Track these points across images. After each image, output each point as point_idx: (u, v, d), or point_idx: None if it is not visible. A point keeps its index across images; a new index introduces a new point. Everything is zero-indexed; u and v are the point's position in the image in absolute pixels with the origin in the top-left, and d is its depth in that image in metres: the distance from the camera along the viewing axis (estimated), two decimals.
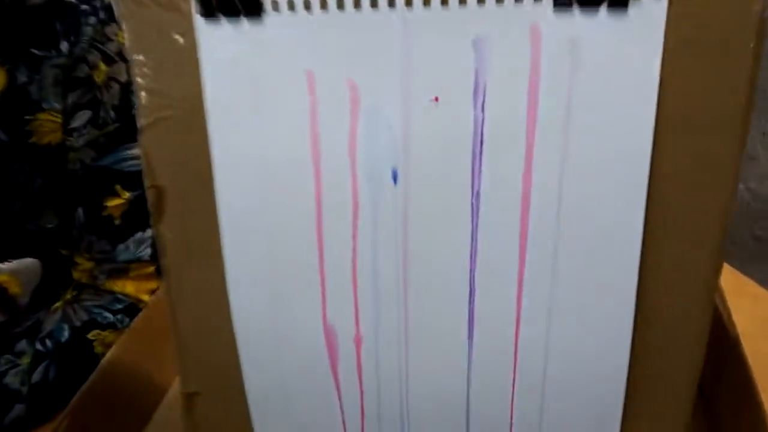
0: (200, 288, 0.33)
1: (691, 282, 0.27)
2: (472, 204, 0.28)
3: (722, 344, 0.40)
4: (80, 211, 0.48)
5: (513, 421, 0.31)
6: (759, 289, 0.51)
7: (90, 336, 0.47)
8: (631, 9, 0.24)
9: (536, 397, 0.31)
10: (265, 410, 0.35)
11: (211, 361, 0.35)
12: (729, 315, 0.40)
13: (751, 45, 0.24)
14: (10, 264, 0.46)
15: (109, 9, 0.47)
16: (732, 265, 0.55)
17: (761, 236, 1.00)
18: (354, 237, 0.30)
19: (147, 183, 0.32)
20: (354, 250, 0.30)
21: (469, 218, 0.28)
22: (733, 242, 1.01)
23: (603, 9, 0.24)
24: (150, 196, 0.32)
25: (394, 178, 0.28)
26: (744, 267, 0.54)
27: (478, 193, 0.28)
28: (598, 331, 0.29)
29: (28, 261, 0.47)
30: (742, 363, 0.37)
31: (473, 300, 0.30)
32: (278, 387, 0.34)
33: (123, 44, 0.46)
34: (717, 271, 0.27)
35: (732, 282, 0.52)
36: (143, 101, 0.31)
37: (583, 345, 0.29)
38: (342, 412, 0.34)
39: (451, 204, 0.28)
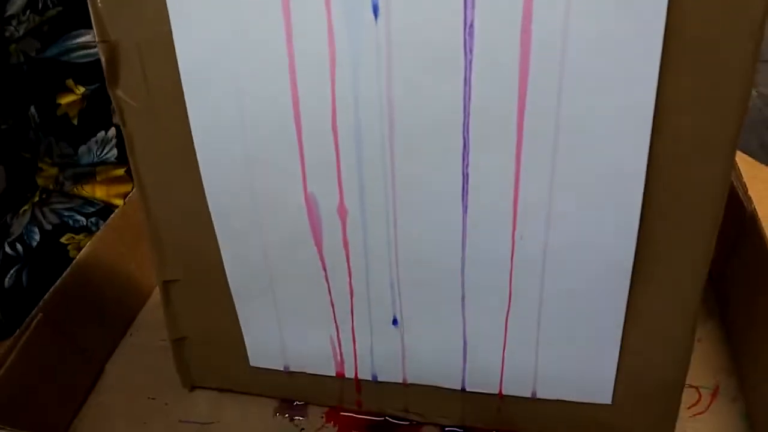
0: (169, 161, 0.30)
1: (708, 147, 0.24)
2: (464, 38, 0.24)
3: (737, 220, 0.37)
4: (33, 110, 0.44)
5: (512, 289, 0.29)
6: None
7: (63, 240, 0.44)
8: None
9: (537, 265, 0.28)
10: (248, 293, 0.33)
11: (187, 244, 0.33)
12: (745, 190, 0.37)
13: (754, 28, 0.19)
14: None
15: None
16: None
17: None
18: (332, 88, 0.26)
19: (97, 38, 0.28)
20: (333, 102, 0.26)
21: (461, 55, 0.24)
22: (741, 150, 0.97)
23: None
24: (103, 53, 0.28)
25: (375, 12, 0.24)
26: None
27: (471, 25, 0.24)
28: (607, 189, 0.26)
29: None
30: (759, 238, 0.35)
31: (467, 155, 0.26)
32: (260, 269, 0.32)
33: None
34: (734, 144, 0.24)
35: (748, 169, 0.48)
36: None
37: (590, 206, 0.26)
38: (329, 291, 0.31)
39: (440, 39, 0.24)
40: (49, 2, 0.41)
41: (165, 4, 0.26)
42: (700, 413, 0.33)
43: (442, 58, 0.25)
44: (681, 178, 0.25)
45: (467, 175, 0.27)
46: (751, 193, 0.40)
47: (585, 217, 0.26)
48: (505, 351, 0.31)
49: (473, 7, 0.24)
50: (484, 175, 0.26)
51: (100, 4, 0.27)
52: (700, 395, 0.34)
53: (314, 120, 0.27)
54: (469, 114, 0.25)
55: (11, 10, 0.40)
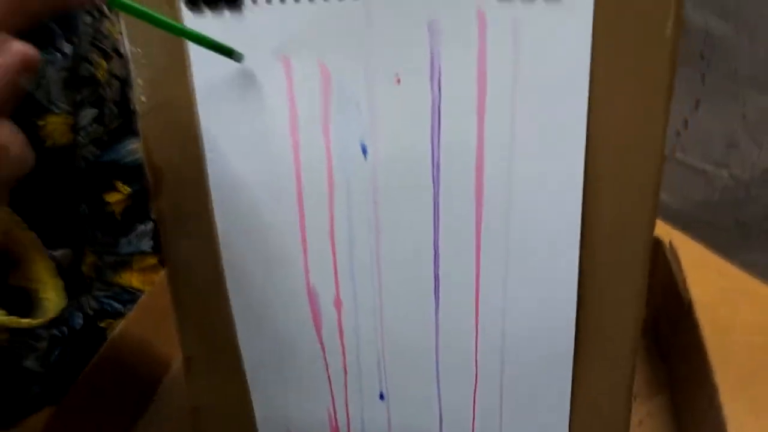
0: (196, 258, 0.37)
1: (629, 239, 0.30)
2: (432, 174, 0.31)
3: (677, 309, 0.43)
4: (84, 206, 0.51)
5: (478, 370, 0.34)
6: (726, 265, 0.54)
7: (102, 324, 0.50)
8: None
9: (497, 350, 0.34)
10: (259, 369, 0.39)
11: (208, 325, 0.39)
12: (684, 282, 0.43)
13: (669, 28, 0.27)
14: (57, 252, 0.49)
15: (98, 8, 0.49)
16: (716, 249, 0.57)
17: (745, 222, 1.02)
18: (330, 207, 0.33)
19: (146, 163, 0.35)
20: (331, 219, 0.33)
21: (431, 187, 0.31)
22: (717, 228, 1.03)
23: None
24: (149, 174, 0.35)
25: (364, 152, 0.32)
26: (728, 252, 0.57)
27: (437, 164, 0.31)
28: (548, 287, 0.32)
29: (66, 251, 0.50)
30: (693, 327, 0.40)
31: (437, 264, 0.33)
32: (269, 347, 0.38)
33: (118, 40, 0.49)
34: (651, 227, 0.30)
35: (698, 256, 0.55)
36: (139, 89, 0.34)
37: (536, 302, 0.32)
38: (327, 369, 0.37)
39: (414, 175, 0.31)
40: (112, 115, 0.49)
41: (202, 146, 0.33)
42: None
43: (415, 188, 0.31)
44: (605, 284, 0.31)
45: (438, 277, 0.33)
46: (700, 280, 0.46)
47: (532, 313, 0.32)
48: (475, 421, 0.36)
49: (438, 150, 0.31)
50: (451, 280, 0.33)
51: (149, 136, 0.35)
52: None
53: (316, 232, 0.34)
54: (438, 231, 0.32)
55: (82, 122, 0.48)
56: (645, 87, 0.28)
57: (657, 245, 0.49)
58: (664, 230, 0.59)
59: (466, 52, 0.29)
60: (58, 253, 0.50)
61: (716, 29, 0.95)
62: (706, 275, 0.51)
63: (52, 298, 0.33)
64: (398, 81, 0.30)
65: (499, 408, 0.35)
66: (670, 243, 0.48)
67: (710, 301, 0.47)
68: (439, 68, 0.29)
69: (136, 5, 0.28)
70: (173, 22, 0.30)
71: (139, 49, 0.33)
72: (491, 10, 0.28)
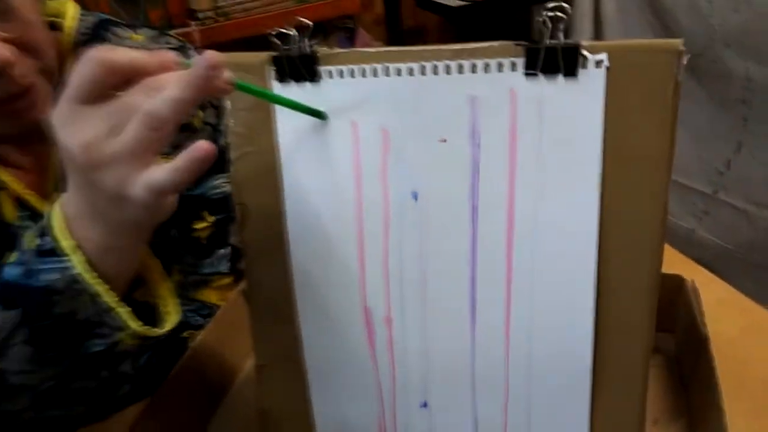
0: (272, 280, 0.44)
1: (638, 276, 0.36)
2: (471, 216, 0.37)
3: (696, 343, 0.47)
4: (174, 231, 0.60)
5: (508, 384, 0.40)
6: (750, 303, 0.57)
7: (185, 335, 0.58)
8: (580, 75, 0.33)
9: (524, 368, 0.39)
10: (319, 377, 0.45)
11: (278, 337, 0.46)
12: (702, 318, 0.47)
13: (670, 97, 0.33)
14: None
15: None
16: (757, 288, 0.61)
17: None
18: (385, 240, 0.40)
19: (235, 200, 0.43)
20: (385, 250, 0.40)
21: (469, 227, 0.38)
22: (759, 267, 1.03)
23: (560, 75, 0.34)
24: (237, 210, 0.43)
25: (414, 198, 0.38)
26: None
27: (475, 208, 0.37)
28: (568, 316, 0.37)
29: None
30: (709, 360, 0.44)
31: (474, 292, 0.39)
32: (329, 358, 0.44)
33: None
34: (658, 264, 0.35)
35: (724, 295, 0.58)
36: (233, 139, 0.42)
37: (557, 328, 0.38)
38: (378, 378, 0.43)
39: (456, 217, 0.38)
40: None
41: (281, 188, 0.41)
42: None
43: (457, 228, 0.38)
44: (617, 314, 0.36)
45: (474, 302, 0.39)
46: (725, 317, 0.50)
47: (554, 338, 0.38)
48: (509, 429, 0.41)
49: (477, 197, 0.37)
50: (486, 305, 0.39)
51: (238, 178, 0.43)
52: None
53: (372, 261, 0.40)
54: (475, 263, 0.38)
55: None
56: (651, 140, 0.33)
57: (680, 284, 0.53)
58: (690, 269, 0.63)
59: (500, 119, 0.35)
60: None
61: (757, 75, 0.98)
62: (729, 313, 0.55)
63: (171, 312, 0.41)
64: (444, 141, 0.37)
65: (527, 421, 0.41)
66: (692, 282, 0.52)
67: (730, 337, 0.51)
68: (478, 132, 0.36)
69: (256, 88, 0.36)
70: (283, 98, 0.38)
71: (236, 109, 0.41)
72: (520, 87, 0.34)
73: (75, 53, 0.52)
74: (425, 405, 0.43)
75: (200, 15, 1.14)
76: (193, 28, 1.12)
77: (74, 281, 0.37)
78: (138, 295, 0.41)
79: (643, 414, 0.39)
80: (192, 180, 0.32)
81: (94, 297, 0.37)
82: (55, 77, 0.51)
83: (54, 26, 0.53)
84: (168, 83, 0.32)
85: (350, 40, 1.59)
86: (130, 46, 0.54)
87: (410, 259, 0.40)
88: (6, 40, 0.41)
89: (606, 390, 0.38)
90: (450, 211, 0.38)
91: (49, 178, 0.55)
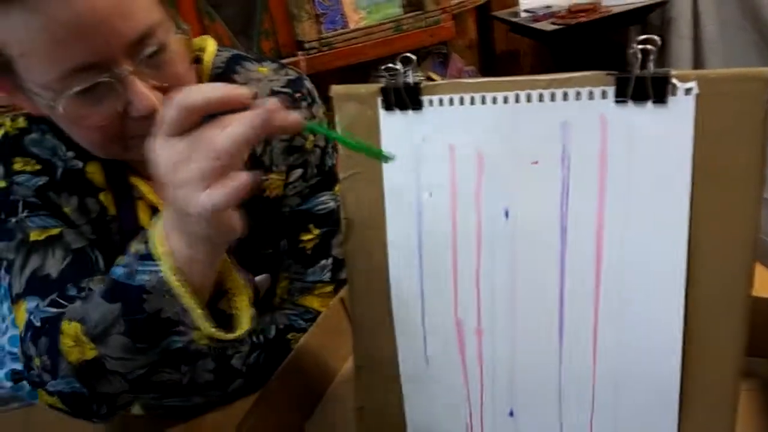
0: (372, 290, 0.48)
1: (728, 297, 0.36)
2: (560, 235, 0.40)
3: None
4: (284, 242, 0.66)
5: (594, 399, 0.41)
6: None
7: (289, 336, 0.64)
8: (670, 102, 0.35)
9: (611, 384, 0.41)
10: (412, 381, 0.49)
11: (376, 342, 0.50)
12: None
13: (760, 122, 0.34)
14: (259, 278, 0.65)
15: (311, 93, 0.66)
16: None
17: None
18: (478, 256, 0.43)
19: (342, 215, 0.48)
20: (477, 265, 0.43)
21: (559, 246, 0.40)
22: None
23: (650, 102, 0.36)
24: (343, 224, 0.48)
25: (506, 216, 0.41)
26: None
27: (565, 228, 0.40)
28: (657, 334, 0.38)
29: (265, 276, 0.66)
30: None
31: (562, 306, 0.41)
32: (422, 364, 0.48)
33: (322, 118, 0.65)
34: (749, 285, 0.36)
35: None
36: (343, 161, 0.47)
37: (646, 346, 0.39)
38: (467, 386, 0.46)
39: (546, 235, 0.40)
40: (312, 174, 0.64)
41: (384, 205, 0.45)
42: None
43: (546, 245, 0.40)
44: (707, 334, 0.37)
45: (563, 316, 0.41)
46: None
47: (642, 355, 0.39)
48: None
49: (566, 216, 0.39)
50: (574, 319, 0.41)
51: (345, 195, 0.47)
52: None
53: (465, 275, 0.44)
54: (564, 280, 0.41)
55: (291, 179, 0.64)
56: (741, 163, 0.34)
57: None
58: None
59: (590, 144, 0.38)
60: (260, 277, 0.66)
61: None
62: None
63: (245, 323, 0.46)
64: (535, 163, 0.40)
65: None
66: None
67: None
68: (569, 155, 0.38)
69: (326, 130, 0.43)
70: (351, 142, 0.43)
71: (346, 136, 0.46)
72: (611, 113, 0.37)
73: (213, 82, 0.61)
74: (512, 413, 0.45)
75: (306, 45, 1.23)
76: (300, 57, 1.21)
77: (162, 283, 0.43)
78: (222, 305, 0.46)
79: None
80: (236, 202, 0.38)
81: (176, 298, 0.43)
82: None
83: (197, 59, 0.61)
84: (234, 121, 0.37)
85: (444, 65, 1.64)
86: (257, 78, 0.62)
87: (501, 275, 0.42)
88: (156, 88, 0.49)
89: (694, 411, 0.39)
90: (540, 230, 0.40)
91: None
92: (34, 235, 0.58)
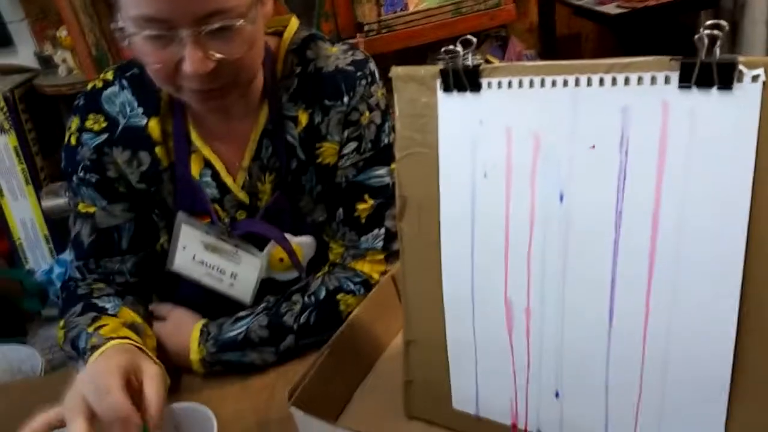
0: (424, 267, 0.50)
1: None
2: (615, 220, 0.40)
3: None
4: (340, 210, 0.69)
5: (642, 384, 0.42)
6: None
7: (338, 297, 0.67)
8: (736, 88, 0.35)
9: (659, 370, 0.41)
10: (459, 357, 0.50)
11: (426, 318, 0.51)
12: None
13: None
14: (299, 238, 0.69)
15: (372, 74, 0.68)
16: None
17: None
18: (530, 237, 0.44)
19: (397, 193, 0.49)
20: (529, 246, 0.44)
21: (613, 230, 0.40)
22: None
23: (714, 88, 0.35)
24: (398, 202, 0.49)
25: (561, 199, 0.42)
26: None
27: (620, 212, 0.40)
28: (710, 323, 0.38)
29: (309, 238, 0.70)
30: None
31: (613, 290, 0.41)
32: (469, 341, 0.49)
33: (380, 98, 0.67)
34: None
35: None
36: (399, 140, 0.48)
37: (698, 335, 0.39)
38: (513, 365, 0.47)
39: (600, 219, 0.40)
40: (367, 147, 0.67)
41: (438, 180, 0.46)
42: None
43: (601, 230, 0.41)
44: (762, 318, 0.37)
45: (613, 301, 0.42)
46: None
47: (693, 343, 0.39)
48: (637, 426, 0.43)
49: (622, 201, 0.40)
50: (624, 304, 0.41)
51: (401, 173, 0.49)
52: None
53: (517, 255, 0.44)
54: (616, 265, 0.41)
55: (345, 150, 0.68)
56: None
57: None
58: None
59: (650, 129, 0.38)
60: (301, 238, 0.69)
61: None
62: None
63: None
64: (593, 147, 0.40)
65: (658, 420, 0.42)
66: None
67: None
68: (628, 140, 0.38)
69: None
70: None
71: (401, 111, 0.48)
72: (673, 99, 0.36)
73: (287, 55, 0.67)
74: (557, 395, 0.46)
75: (366, 27, 1.25)
76: (360, 39, 1.23)
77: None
78: None
79: None
80: None
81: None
82: (262, 76, 0.65)
83: (278, 32, 0.68)
84: None
85: (502, 48, 1.62)
86: (326, 56, 0.68)
87: (552, 256, 0.43)
88: (211, 58, 0.55)
89: (743, 401, 0.39)
90: (594, 214, 0.41)
91: (242, 148, 0.67)
92: (81, 206, 0.68)
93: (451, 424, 0.53)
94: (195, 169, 0.68)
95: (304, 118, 0.66)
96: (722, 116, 0.35)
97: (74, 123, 0.68)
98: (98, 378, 0.46)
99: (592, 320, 0.43)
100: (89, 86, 0.69)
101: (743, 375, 0.38)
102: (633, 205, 0.39)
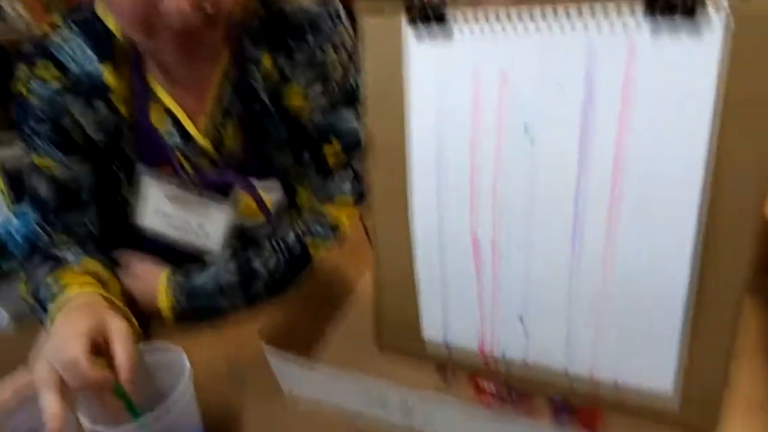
0: (393, 208, 0.50)
1: (744, 214, 0.38)
2: (579, 151, 0.41)
3: None
4: (306, 154, 0.69)
5: (603, 306, 0.44)
6: None
7: (307, 241, 0.67)
8: (698, 15, 0.35)
9: (621, 287, 0.43)
10: (427, 291, 0.52)
11: (395, 256, 0.52)
12: None
13: None
14: (265, 183, 0.68)
15: (337, 13, 0.66)
16: None
17: None
18: (495, 170, 0.45)
19: (364, 133, 0.49)
20: (495, 178, 0.45)
21: (577, 158, 0.41)
22: None
23: (678, 18, 0.36)
24: (365, 140, 0.49)
25: (526, 133, 0.43)
26: None
27: (584, 147, 0.41)
28: (669, 253, 0.40)
29: (275, 183, 0.69)
30: None
31: (577, 221, 0.43)
32: (438, 278, 0.51)
33: (346, 38, 0.66)
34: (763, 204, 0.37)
35: None
36: (367, 79, 0.48)
37: (659, 261, 0.41)
38: (480, 294, 0.49)
39: (565, 150, 0.42)
40: (334, 89, 0.66)
41: (405, 120, 0.47)
42: (747, 414, 0.45)
43: (565, 158, 0.42)
44: (718, 243, 0.39)
45: (576, 231, 0.43)
46: None
47: (652, 261, 0.41)
48: (597, 348, 0.46)
49: (587, 131, 0.41)
50: (588, 236, 0.43)
51: (368, 114, 0.49)
52: (750, 401, 0.46)
53: (482, 188, 0.45)
54: (579, 193, 0.42)
55: (312, 92, 0.66)
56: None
57: None
58: None
59: (615, 64, 0.38)
60: (270, 184, 0.69)
61: None
62: None
63: None
64: (559, 83, 0.40)
65: (617, 340, 0.45)
66: None
67: None
68: (593, 74, 0.39)
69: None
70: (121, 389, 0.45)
71: (371, 55, 0.47)
72: (638, 33, 0.37)
73: None
74: (521, 320, 0.48)
75: None
76: None
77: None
78: None
79: (732, 346, 0.41)
80: None
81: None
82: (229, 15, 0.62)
83: None
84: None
85: None
86: None
87: (518, 188, 0.44)
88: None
89: (699, 324, 0.41)
90: (559, 145, 0.42)
91: (204, 95, 0.66)
92: (36, 159, 0.66)
93: (422, 354, 0.55)
94: (155, 117, 0.66)
95: (267, 61, 0.65)
96: (686, 49, 0.36)
97: (23, 72, 0.64)
98: (63, 348, 0.44)
99: (556, 250, 0.44)
100: (37, 32, 0.65)
101: (699, 300, 0.41)
102: (597, 135, 0.40)
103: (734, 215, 0.38)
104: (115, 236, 0.71)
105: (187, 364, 0.48)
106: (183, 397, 0.46)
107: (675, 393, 0.44)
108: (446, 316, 0.52)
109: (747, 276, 0.39)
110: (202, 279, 0.64)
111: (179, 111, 0.66)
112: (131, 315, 0.60)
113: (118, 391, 0.46)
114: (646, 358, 0.44)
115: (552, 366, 0.48)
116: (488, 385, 0.52)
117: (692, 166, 0.38)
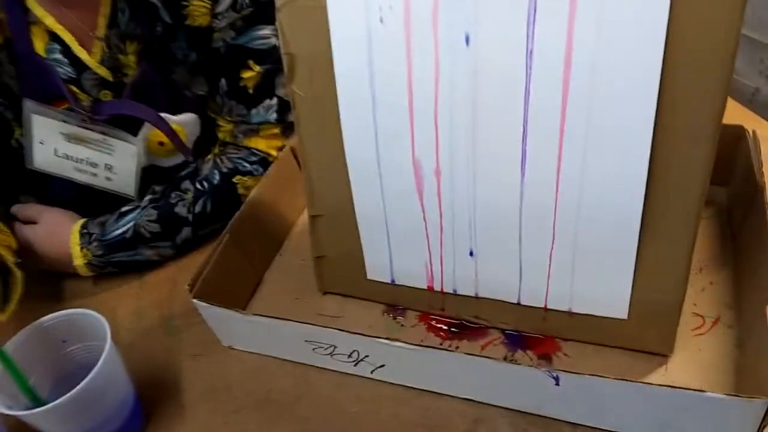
0: (323, 134, 0.45)
1: (700, 124, 0.34)
2: (526, 61, 0.36)
3: (750, 193, 0.46)
4: (223, 81, 0.60)
5: (555, 232, 0.41)
6: None
7: (234, 180, 0.61)
8: None
9: (572, 215, 0.40)
10: (370, 226, 0.47)
11: (330, 189, 0.47)
12: (760, 167, 0.46)
13: None
14: (178, 116, 0.60)
15: None
16: None
17: None
18: (435, 90, 0.39)
19: (282, 51, 0.42)
20: (436, 100, 0.39)
21: (524, 73, 0.36)
22: None
23: None
24: (285, 61, 0.43)
25: (467, 41, 0.37)
26: None
27: (531, 52, 0.36)
28: (622, 162, 0.37)
29: (190, 115, 0.61)
30: (761, 209, 0.44)
31: (525, 140, 0.38)
32: (379, 209, 0.46)
33: None
34: (720, 112, 0.34)
35: None
36: None
37: (610, 174, 0.37)
38: (426, 228, 0.45)
39: (510, 61, 0.36)
40: (244, 4, 0.57)
41: (329, 38, 0.40)
42: (701, 334, 0.44)
43: (510, 73, 0.37)
44: (674, 158, 0.36)
45: (525, 152, 0.39)
46: None
47: (606, 184, 0.38)
48: (550, 276, 0.43)
49: (533, 40, 0.35)
50: (537, 154, 0.38)
51: (284, 27, 0.42)
52: (704, 321, 0.45)
53: (422, 112, 0.40)
54: (527, 111, 0.38)
55: (219, 8, 0.57)
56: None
57: (741, 133, 0.51)
58: (753, 121, 0.60)
59: None
60: (182, 116, 0.61)
61: None
62: None
63: None
64: None
65: (571, 266, 0.42)
66: (753, 132, 0.50)
67: None
68: None
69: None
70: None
71: None
72: None
73: None
74: (472, 254, 0.45)
75: None
76: None
77: None
78: None
79: (689, 262, 0.39)
80: None
81: None
82: None
83: None
84: None
85: None
86: None
87: (461, 108, 0.39)
88: None
89: (653, 237, 0.39)
90: (504, 56, 0.36)
91: (94, 14, 0.56)
92: None
93: (367, 295, 0.51)
94: (39, 44, 0.56)
95: None
96: None
97: None
98: None
99: (504, 173, 0.40)
100: None
101: (654, 213, 0.38)
102: (544, 44, 0.35)
103: (688, 122, 0.35)
104: (13, 184, 0.62)
105: (108, 331, 0.42)
106: (105, 367, 0.41)
107: (630, 317, 0.42)
108: (392, 253, 0.48)
109: (704, 186, 0.36)
110: (120, 230, 0.58)
111: (67, 34, 0.56)
112: (19, 270, 0.54)
113: (3, 358, 0.41)
114: (601, 283, 0.42)
115: (505, 299, 0.46)
116: (440, 323, 0.49)
117: (648, 67, 0.34)
